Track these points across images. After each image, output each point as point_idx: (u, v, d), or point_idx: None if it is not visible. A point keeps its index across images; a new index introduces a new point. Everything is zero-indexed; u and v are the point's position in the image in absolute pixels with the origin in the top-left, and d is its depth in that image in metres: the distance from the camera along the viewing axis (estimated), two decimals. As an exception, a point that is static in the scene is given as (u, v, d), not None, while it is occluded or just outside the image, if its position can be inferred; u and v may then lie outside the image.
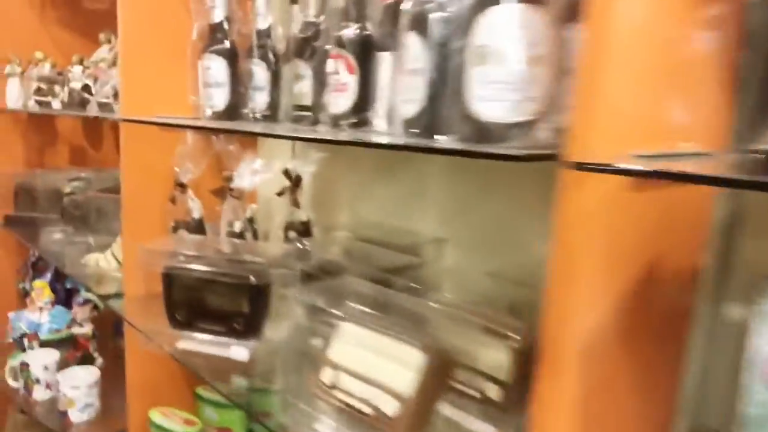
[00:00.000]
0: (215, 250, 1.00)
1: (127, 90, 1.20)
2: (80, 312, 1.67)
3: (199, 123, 1.17)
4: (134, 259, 1.24)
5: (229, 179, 1.12)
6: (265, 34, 1.24)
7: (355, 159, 1.25)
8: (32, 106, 1.62)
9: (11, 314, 1.79)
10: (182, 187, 1.19)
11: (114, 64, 1.72)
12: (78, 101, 1.50)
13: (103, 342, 1.77)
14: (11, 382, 1.62)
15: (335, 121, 0.97)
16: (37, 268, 1.91)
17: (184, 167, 1.19)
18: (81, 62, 1.73)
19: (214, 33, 1.22)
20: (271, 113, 1.25)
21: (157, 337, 1.05)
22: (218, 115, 1.22)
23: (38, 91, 1.57)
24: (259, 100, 1.24)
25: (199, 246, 1.03)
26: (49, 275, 1.90)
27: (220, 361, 0.97)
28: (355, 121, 0.96)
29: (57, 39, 1.88)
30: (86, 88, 1.47)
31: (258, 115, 1.25)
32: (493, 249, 1.02)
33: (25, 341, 1.66)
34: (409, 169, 1.16)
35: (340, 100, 0.96)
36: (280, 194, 1.18)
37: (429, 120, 0.73)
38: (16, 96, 1.77)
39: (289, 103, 1.22)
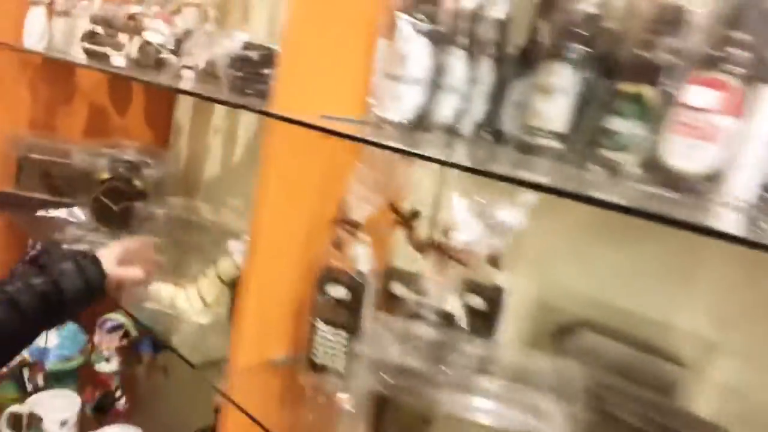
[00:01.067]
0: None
1: (286, 76, 0.79)
2: (106, 341, 1.24)
3: (388, 140, 0.78)
4: (252, 315, 0.85)
5: (446, 232, 0.74)
6: (475, 13, 0.89)
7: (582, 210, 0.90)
8: (77, 55, 1.15)
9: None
10: (353, 226, 0.81)
11: (176, 12, 1.29)
12: (155, 62, 1.06)
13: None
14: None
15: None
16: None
17: (359, 197, 0.81)
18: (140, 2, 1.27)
19: (421, 4, 0.84)
20: (456, 128, 0.90)
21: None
22: (406, 126, 0.84)
23: (91, 36, 1.10)
24: (446, 108, 0.88)
25: (433, 351, 0.65)
26: (50, 275, 1.43)
27: None
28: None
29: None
30: (177, 44, 1.03)
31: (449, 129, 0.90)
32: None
33: (25, 373, 1.22)
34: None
35: (699, 152, 0.63)
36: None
37: None
38: (39, 32, 1.29)
39: (503, 118, 0.88)
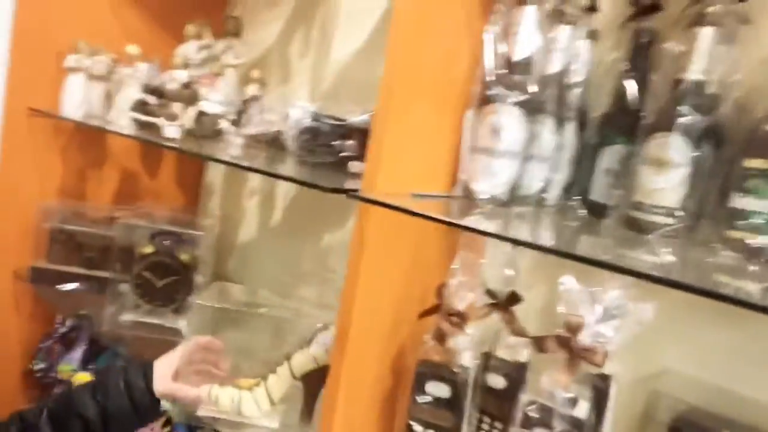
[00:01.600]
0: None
1: (378, 154, 0.73)
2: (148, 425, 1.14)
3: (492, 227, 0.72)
4: (340, 415, 0.77)
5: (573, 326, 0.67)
6: (559, 79, 0.85)
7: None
8: (126, 125, 1.09)
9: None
10: (456, 316, 0.73)
11: (219, 74, 1.23)
12: (212, 133, 1.00)
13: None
14: None
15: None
16: (65, 342, 1.34)
17: (460, 283, 0.73)
18: (186, 65, 1.22)
19: (514, 74, 0.80)
20: (544, 198, 0.85)
21: None
22: (498, 200, 0.79)
23: (142, 106, 1.04)
24: (536, 178, 0.83)
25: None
26: (79, 352, 1.33)
27: None
28: None
29: (123, 26, 1.34)
30: (238, 114, 0.97)
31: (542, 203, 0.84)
32: None
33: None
34: None
35: None
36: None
37: None
38: (78, 100, 1.22)
39: (593, 186, 0.83)
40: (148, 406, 0.82)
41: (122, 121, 1.08)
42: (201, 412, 0.86)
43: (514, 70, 0.78)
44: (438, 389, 0.75)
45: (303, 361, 0.85)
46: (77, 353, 1.32)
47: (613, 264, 0.53)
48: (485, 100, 0.79)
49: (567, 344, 0.66)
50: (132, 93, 1.07)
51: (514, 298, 0.79)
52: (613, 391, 0.73)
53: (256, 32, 1.41)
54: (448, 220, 0.68)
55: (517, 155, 0.78)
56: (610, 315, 0.67)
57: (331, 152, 0.93)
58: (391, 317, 0.81)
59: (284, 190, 1.40)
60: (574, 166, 0.84)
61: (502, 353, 0.81)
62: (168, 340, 1.18)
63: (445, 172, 0.81)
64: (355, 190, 0.73)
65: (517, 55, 0.78)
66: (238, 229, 1.51)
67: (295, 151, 0.92)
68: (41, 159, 1.32)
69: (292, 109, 0.93)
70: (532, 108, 0.78)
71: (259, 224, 1.47)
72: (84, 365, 1.31)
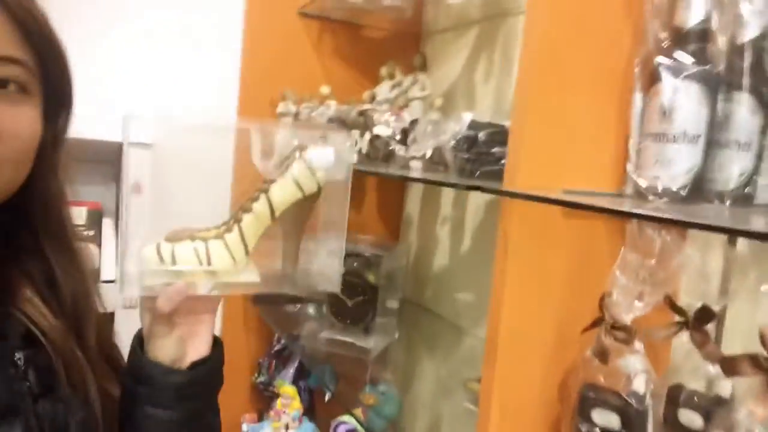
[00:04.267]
0: None
1: (519, 149, 0.67)
2: (341, 444, 1.19)
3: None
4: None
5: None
6: (758, 46, 0.68)
7: None
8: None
9: (246, 426, 1.37)
10: (622, 331, 0.62)
11: (404, 106, 1.28)
12: (383, 154, 1.04)
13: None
14: None
15: None
16: (281, 358, 1.49)
17: (625, 292, 0.62)
18: (372, 99, 1.31)
19: (687, 44, 0.67)
20: (747, 194, 0.67)
21: None
22: (678, 195, 0.65)
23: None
24: (732, 169, 0.66)
25: None
26: (291, 371, 1.47)
27: None
28: None
29: (329, 72, 1.49)
30: (404, 133, 1.00)
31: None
32: None
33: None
34: None
35: None
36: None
37: None
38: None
39: None
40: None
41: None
42: (150, 282, 0.58)
43: (687, 39, 0.66)
44: (606, 419, 0.64)
45: (285, 190, 0.61)
46: (290, 370, 1.46)
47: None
48: (653, 78, 0.68)
49: (763, 366, 0.50)
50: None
51: (705, 315, 0.64)
52: None
53: (441, 66, 1.45)
54: (602, 207, 0.59)
55: (697, 140, 0.64)
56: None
57: (490, 160, 0.89)
58: (553, 331, 0.72)
59: (474, 214, 1.38)
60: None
61: (695, 384, 0.66)
62: (359, 359, 1.23)
63: (607, 166, 0.71)
64: (496, 189, 0.68)
65: (690, 21, 0.66)
66: (433, 254, 1.53)
67: (455, 163, 0.90)
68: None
69: (450, 123, 0.92)
70: (716, 82, 0.65)
71: (452, 249, 1.47)
72: (295, 381, 1.44)
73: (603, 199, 0.68)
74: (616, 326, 0.62)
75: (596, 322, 0.65)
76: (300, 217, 0.63)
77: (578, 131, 0.70)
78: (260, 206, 0.60)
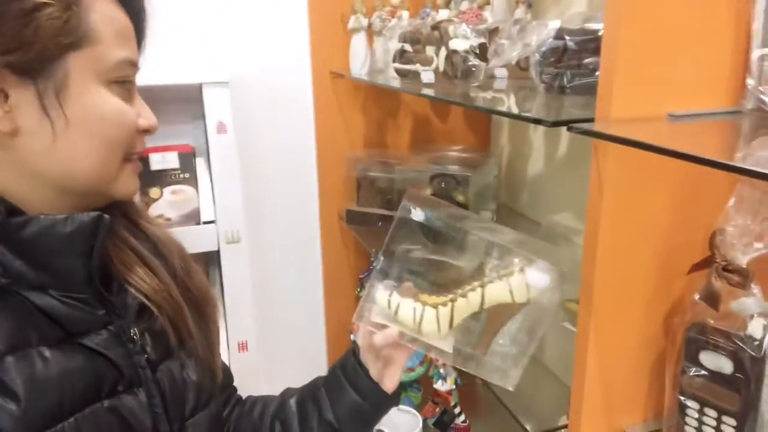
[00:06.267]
0: None
1: (613, 59, 0.58)
2: (442, 358, 1.23)
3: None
4: (595, 376, 0.68)
5: None
6: None
7: None
8: (389, 78, 1.14)
9: (353, 337, 1.45)
10: (735, 273, 0.55)
11: (486, 3, 1.15)
12: (463, 71, 0.96)
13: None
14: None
15: None
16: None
17: (739, 230, 0.55)
18: (448, 4, 1.19)
19: None
20: None
21: None
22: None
23: (401, 55, 1.07)
24: None
25: None
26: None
27: None
28: None
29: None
30: (483, 48, 0.91)
31: None
32: None
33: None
34: None
35: None
36: None
37: None
38: (361, 59, 1.33)
39: None
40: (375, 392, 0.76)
41: (390, 72, 1.13)
42: (375, 318, 0.73)
43: None
44: (716, 362, 0.59)
45: (499, 293, 0.71)
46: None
47: None
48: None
49: None
50: (393, 44, 1.11)
51: None
52: None
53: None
54: (741, 167, 0.50)
55: None
56: None
57: (582, 73, 0.80)
58: (655, 267, 0.66)
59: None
60: None
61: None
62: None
63: (722, 81, 0.60)
64: (587, 120, 0.61)
65: None
66: (526, 162, 1.45)
67: (540, 78, 0.82)
68: (345, 115, 1.50)
69: (539, 28, 0.82)
70: None
71: (546, 159, 1.38)
72: (394, 295, 1.48)
73: (713, 120, 0.58)
74: (729, 269, 0.56)
75: (705, 262, 0.59)
76: (504, 315, 0.71)
77: (686, 38, 0.59)
78: (475, 296, 0.70)
